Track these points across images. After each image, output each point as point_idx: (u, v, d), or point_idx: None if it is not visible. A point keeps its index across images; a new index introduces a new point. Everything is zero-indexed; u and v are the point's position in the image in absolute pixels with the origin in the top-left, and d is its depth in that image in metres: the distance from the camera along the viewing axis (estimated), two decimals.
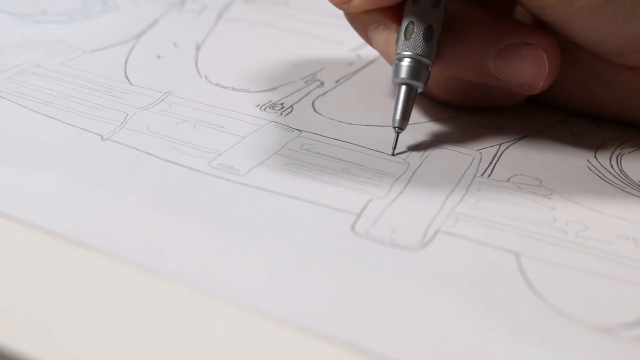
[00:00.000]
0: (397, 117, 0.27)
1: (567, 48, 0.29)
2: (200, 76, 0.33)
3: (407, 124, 0.27)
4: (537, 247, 0.23)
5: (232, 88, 0.32)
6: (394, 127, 0.27)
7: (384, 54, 0.28)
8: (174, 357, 0.18)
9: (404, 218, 0.23)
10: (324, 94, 0.32)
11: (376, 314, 0.19)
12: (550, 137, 0.30)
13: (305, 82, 0.33)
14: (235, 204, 0.23)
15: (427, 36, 0.27)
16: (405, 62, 0.27)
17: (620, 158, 0.28)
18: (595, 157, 0.28)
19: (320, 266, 0.21)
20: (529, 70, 0.27)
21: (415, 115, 0.30)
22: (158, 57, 0.35)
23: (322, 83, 0.33)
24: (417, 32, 0.26)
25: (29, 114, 0.28)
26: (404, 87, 0.27)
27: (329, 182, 0.25)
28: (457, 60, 0.28)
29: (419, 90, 0.27)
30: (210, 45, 0.37)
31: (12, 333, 0.18)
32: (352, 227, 0.23)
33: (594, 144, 0.29)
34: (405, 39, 0.27)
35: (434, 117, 0.30)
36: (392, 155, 0.27)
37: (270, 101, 0.31)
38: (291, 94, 0.32)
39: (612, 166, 0.28)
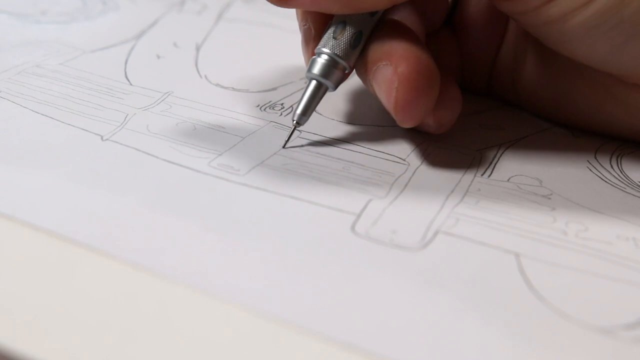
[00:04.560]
0: (298, 111, 0.27)
1: (579, 67, 0.28)
2: (200, 76, 0.33)
3: (306, 120, 0.27)
4: (537, 247, 0.23)
5: (232, 88, 0.32)
6: (292, 121, 0.27)
7: (303, 52, 0.28)
8: (174, 357, 0.18)
9: (404, 218, 0.23)
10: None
11: (376, 314, 0.19)
12: (550, 138, 0.30)
13: (305, 82, 0.33)
14: (235, 204, 0.23)
15: (355, 41, 0.26)
16: (322, 59, 0.26)
17: (620, 159, 0.28)
18: (595, 158, 0.28)
19: (320, 266, 0.21)
20: (381, 92, 0.26)
21: None
22: (158, 57, 0.35)
23: None
24: (347, 35, 0.26)
25: (29, 114, 0.28)
26: (313, 83, 0.27)
27: (329, 182, 0.25)
28: (359, 71, 0.28)
29: (330, 91, 0.27)
30: (210, 45, 0.37)
31: (12, 333, 0.18)
32: (352, 227, 0.23)
33: (594, 145, 0.29)
34: (334, 37, 0.26)
35: None
36: (284, 148, 0.27)
37: (270, 101, 0.31)
38: (291, 94, 0.32)
39: (612, 167, 0.28)
